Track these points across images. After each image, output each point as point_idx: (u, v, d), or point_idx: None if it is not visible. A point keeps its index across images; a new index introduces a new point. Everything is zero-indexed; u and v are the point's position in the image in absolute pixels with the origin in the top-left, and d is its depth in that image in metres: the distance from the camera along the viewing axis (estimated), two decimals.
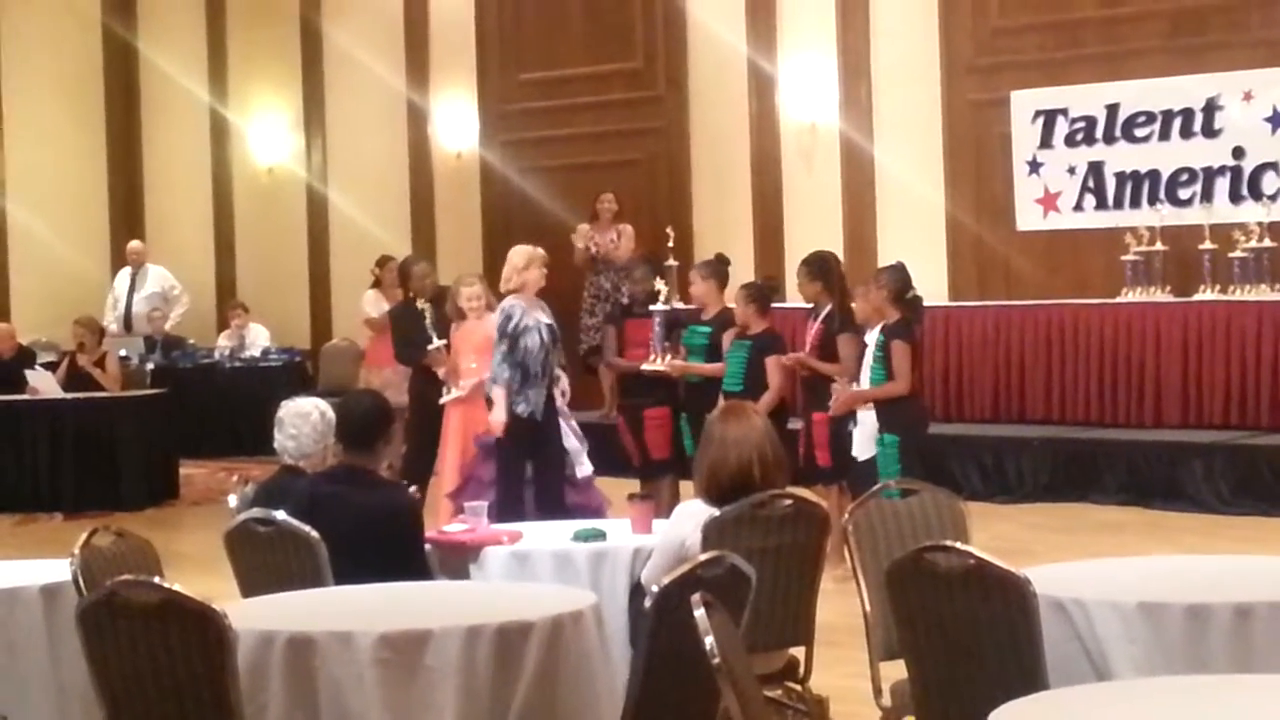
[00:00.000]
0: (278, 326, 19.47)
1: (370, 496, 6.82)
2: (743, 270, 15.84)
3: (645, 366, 11.66)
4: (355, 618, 5.53)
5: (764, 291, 11.66)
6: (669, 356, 11.59)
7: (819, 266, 11.50)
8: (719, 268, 12.05)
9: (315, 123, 20.43)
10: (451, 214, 19.23)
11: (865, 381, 10.70)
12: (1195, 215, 14.46)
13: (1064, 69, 15.36)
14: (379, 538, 6.69)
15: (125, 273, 19.67)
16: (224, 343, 19.15)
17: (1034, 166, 15.38)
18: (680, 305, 12.71)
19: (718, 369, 11.40)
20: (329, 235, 20.23)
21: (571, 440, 10.80)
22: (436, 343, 12.06)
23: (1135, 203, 14.90)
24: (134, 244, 19.90)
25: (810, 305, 11.55)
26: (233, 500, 7.61)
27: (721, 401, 10.21)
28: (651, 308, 11.77)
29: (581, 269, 16.51)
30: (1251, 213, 14.23)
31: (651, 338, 11.65)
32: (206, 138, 21.20)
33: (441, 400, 11.93)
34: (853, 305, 11.08)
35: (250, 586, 6.72)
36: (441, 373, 12.08)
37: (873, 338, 10.70)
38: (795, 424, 11.31)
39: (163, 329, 19.05)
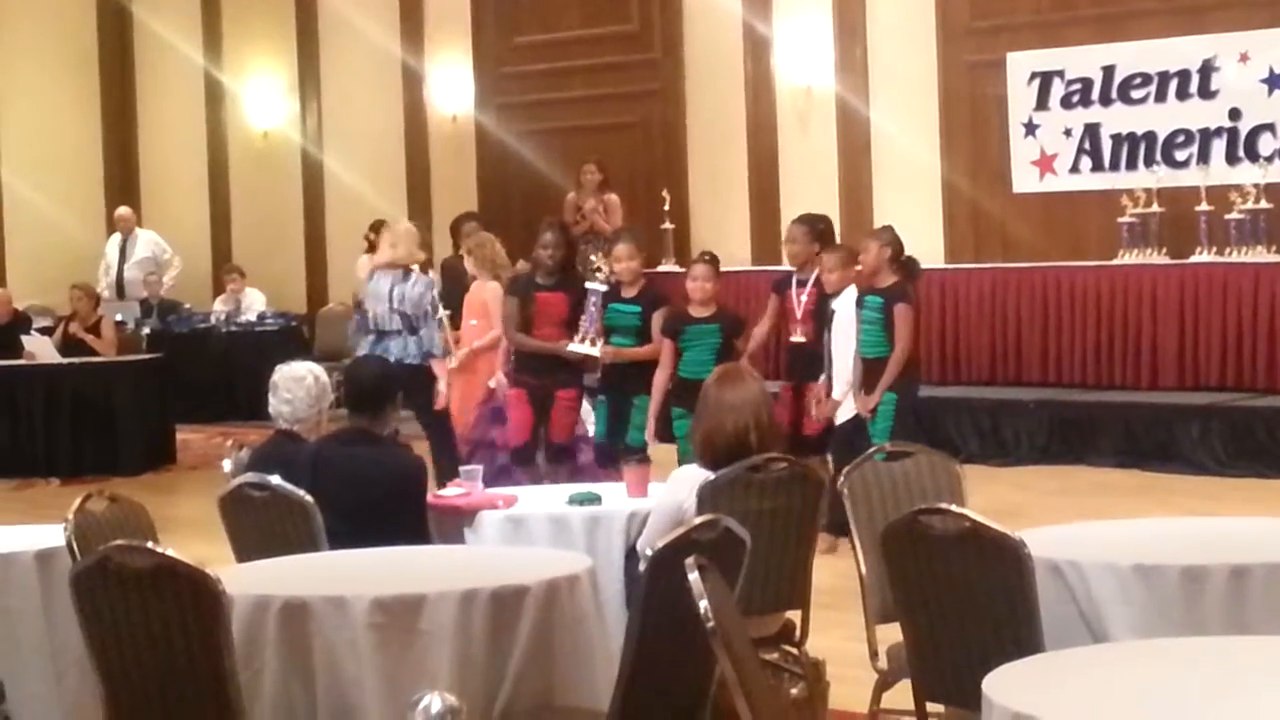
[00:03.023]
0: (273, 291, 19.45)
1: (377, 458, 6.85)
2: (739, 233, 15.88)
3: (573, 348, 10.71)
4: (349, 582, 5.53)
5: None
6: (601, 340, 10.65)
7: (825, 228, 11.32)
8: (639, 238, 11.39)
9: (310, 86, 20.38)
10: (447, 177, 19.21)
11: (846, 346, 10.54)
12: (1191, 177, 14.43)
13: (1060, 30, 15.31)
14: (383, 499, 6.72)
15: (116, 239, 19.65)
16: (220, 307, 19.12)
17: (1030, 128, 15.34)
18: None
19: (653, 352, 10.55)
20: (324, 199, 20.21)
21: (584, 403, 10.80)
22: (440, 314, 11.94)
23: (1131, 164, 14.86)
24: (122, 210, 19.86)
25: (791, 268, 11.30)
26: (227, 465, 7.62)
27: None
28: (587, 284, 10.84)
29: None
30: (1248, 174, 14.20)
31: (585, 317, 10.69)
32: (201, 102, 21.15)
33: None
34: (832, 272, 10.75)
35: (245, 551, 6.73)
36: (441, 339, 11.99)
37: (844, 302, 10.60)
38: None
39: (159, 293, 19.04)
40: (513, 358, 11.10)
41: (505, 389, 11.10)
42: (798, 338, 11.01)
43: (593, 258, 11.03)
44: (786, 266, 11.84)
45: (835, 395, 10.62)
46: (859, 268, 10.75)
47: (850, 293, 10.68)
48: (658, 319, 10.54)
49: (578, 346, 10.67)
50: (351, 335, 13.19)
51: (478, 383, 11.44)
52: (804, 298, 11.01)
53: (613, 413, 10.61)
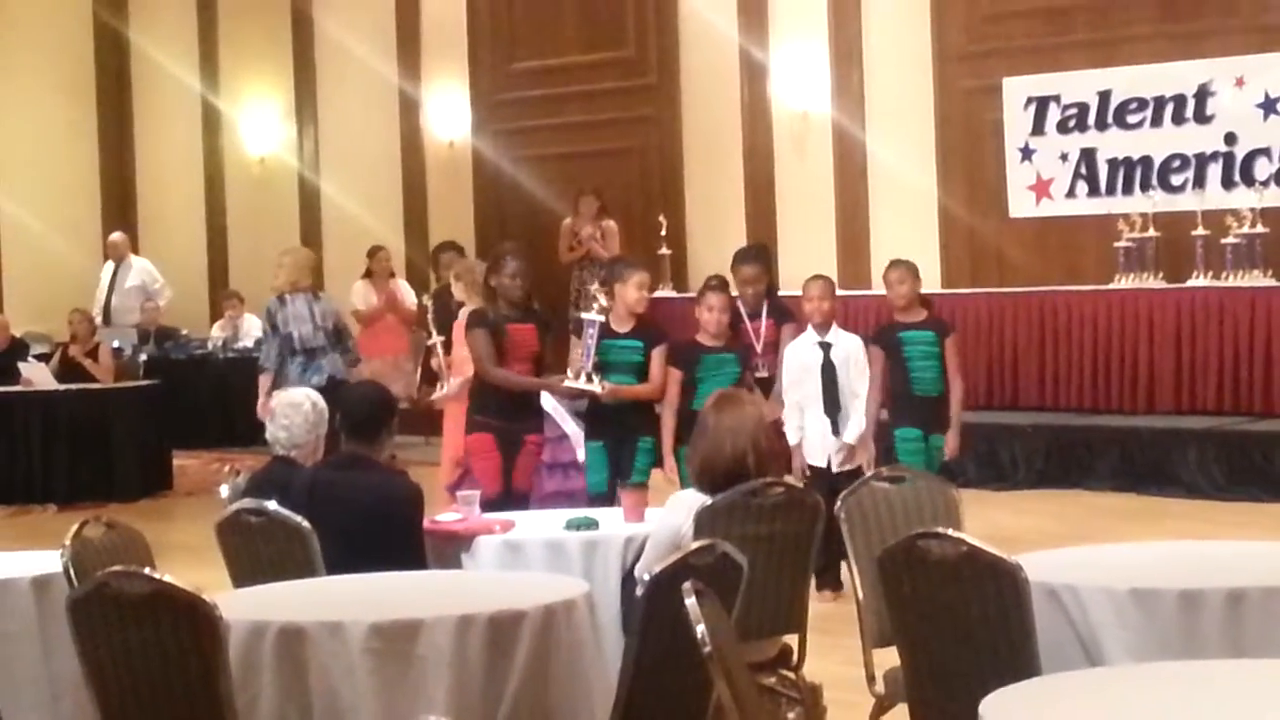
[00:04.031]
0: None
1: (373, 483, 6.85)
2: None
3: (570, 384, 9.72)
4: (346, 608, 5.52)
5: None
6: (598, 377, 9.67)
7: (768, 258, 10.88)
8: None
9: (307, 112, 20.41)
10: (444, 203, 19.23)
11: (859, 388, 10.11)
12: (1188, 201, 14.46)
13: (1056, 55, 15.35)
14: (380, 524, 6.71)
15: (110, 265, 19.64)
16: (217, 333, 19.14)
17: (1026, 153, 15.38)
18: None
19: (655, 390, 9.79)
20: (321, 225, 20.21)
21: (570, 425, 10.67)
22: (434, 339, 11.91)
23: (1128, 189, 14.90)
24: (115, 236, 19.82)
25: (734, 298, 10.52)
26: (224, 491, 7.62)
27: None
28: (583, 315, 9.98)
29: (568, 265, 16.50)
30: (1244, 199, 14.23)
31: (581, 351, 9.75)
32: (198, 127, 21.19)
33: (433, 397, 11.85)
34: (819, 305, 10.21)
35: (242, 577, 6.72)
36: (434, 366, 11.96)
37: (844, 339, 10.22)
38: None
39: (156, 320, 19.04)
40: (472, 396, 10.08)
41: None
42: (761, 373, 10.39)
43: (590, 287, 10.25)
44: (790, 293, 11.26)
45: (850, 439, 10.11)
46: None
47: (837, 330, 10.32)
48: (659, 355, 9.82)
49: (574, 383, 9.69)
50: (269, 360, 12.90)
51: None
52: (762, 330, 10.57)
53: (612, 458, 9.75)
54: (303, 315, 12.97)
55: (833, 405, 10.13)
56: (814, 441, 10.16)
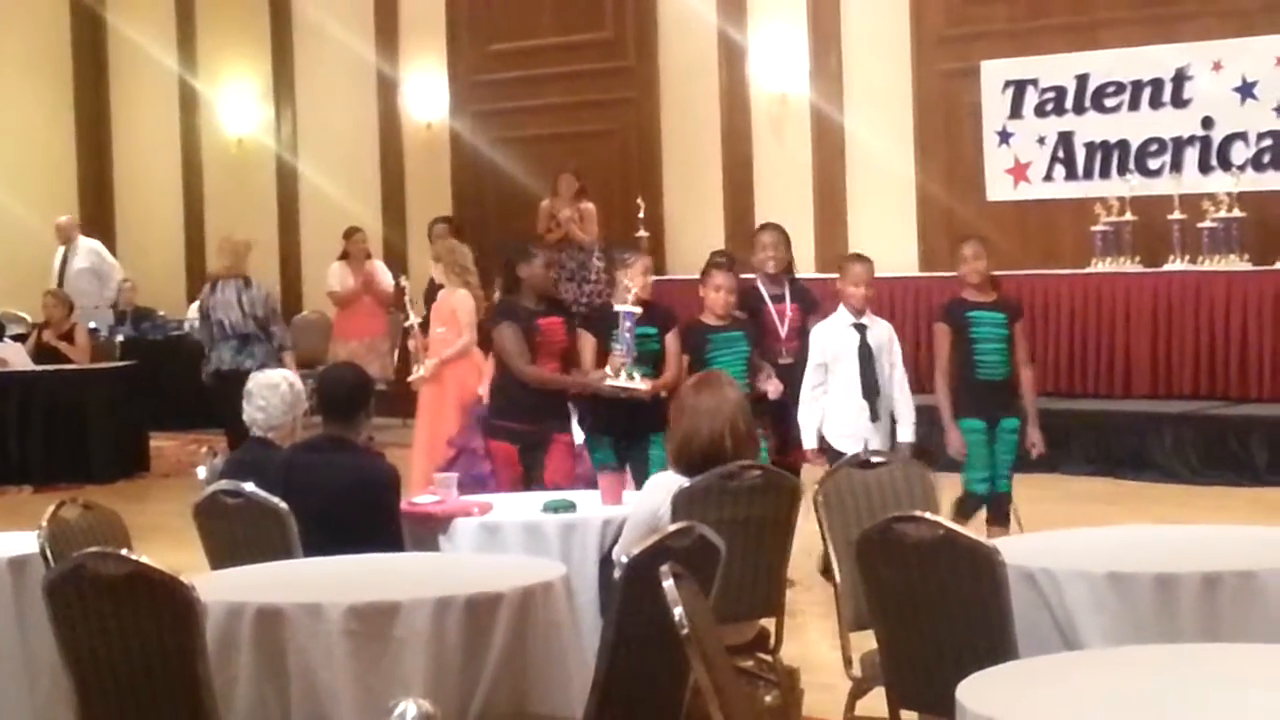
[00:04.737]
0: None
1: (350, 465, 6.86)
2: (714, 241, 15.85)
3: (612, 383, 9.09)
4: (324, 589, 5.53)
5: None
6: (639, 373, 9.15)
7: (787, 233, 10.39)
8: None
9: (285, 93, 20.35)
10: (422, 185, 19.18)
11: (896, 376, 9.69)
12: (1164, 185, 14.48)
13: (1034, 39, 15.36)
14: (357, 506, 6.71)
15: (60, 250, 19.45)
16: (194, 314, 19.05)
17: (1004, 137, 15.38)
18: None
19: (679, 377, 9.10)
20: (299, 206, 20.16)
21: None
22: (411, 320, 11.86)
23: (1105, 173, 14.91)
24: (61, 219, 19.51)
25: (762, 277, 10.22)
26: (202, 472, 7.62)
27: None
28: (618, 308, 9.19)
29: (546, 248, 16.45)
30: (1220, 183, 14.25)
31: (622, 347, 9.12)
32: (175, 108, 21.11)
33: (409, 379, 11.82)
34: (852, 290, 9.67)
35: (219, 558, 6.72)
36: (411, 348, 11.94)
37: (878, 325, 9.76)
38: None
39: (132, 300, 18.97)
40: (487, 401, 9.59)
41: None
42: (785, 359, 9.90)
43: (620, 275, 9.32)
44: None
45: (905, 437, 9.69)
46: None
47: (870, 316, 9.80)
48: (674, 339, 9.42)
49: (617, 382, 9.06)
50: (205, 342, 14.13)
51: (445, 392, 11.37)
52: (787, 313, 10.07)
53: (620, 451, 9.27)
54: (230, 302, 13.73)
55: (871, 388, 9.61)
56: (843, 428, 9.60)
